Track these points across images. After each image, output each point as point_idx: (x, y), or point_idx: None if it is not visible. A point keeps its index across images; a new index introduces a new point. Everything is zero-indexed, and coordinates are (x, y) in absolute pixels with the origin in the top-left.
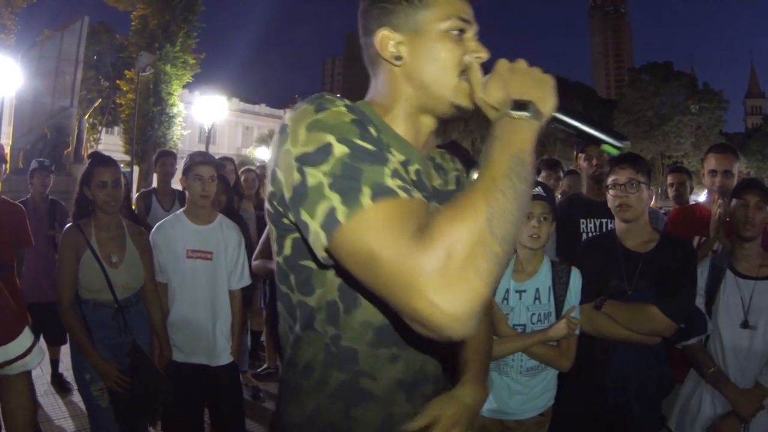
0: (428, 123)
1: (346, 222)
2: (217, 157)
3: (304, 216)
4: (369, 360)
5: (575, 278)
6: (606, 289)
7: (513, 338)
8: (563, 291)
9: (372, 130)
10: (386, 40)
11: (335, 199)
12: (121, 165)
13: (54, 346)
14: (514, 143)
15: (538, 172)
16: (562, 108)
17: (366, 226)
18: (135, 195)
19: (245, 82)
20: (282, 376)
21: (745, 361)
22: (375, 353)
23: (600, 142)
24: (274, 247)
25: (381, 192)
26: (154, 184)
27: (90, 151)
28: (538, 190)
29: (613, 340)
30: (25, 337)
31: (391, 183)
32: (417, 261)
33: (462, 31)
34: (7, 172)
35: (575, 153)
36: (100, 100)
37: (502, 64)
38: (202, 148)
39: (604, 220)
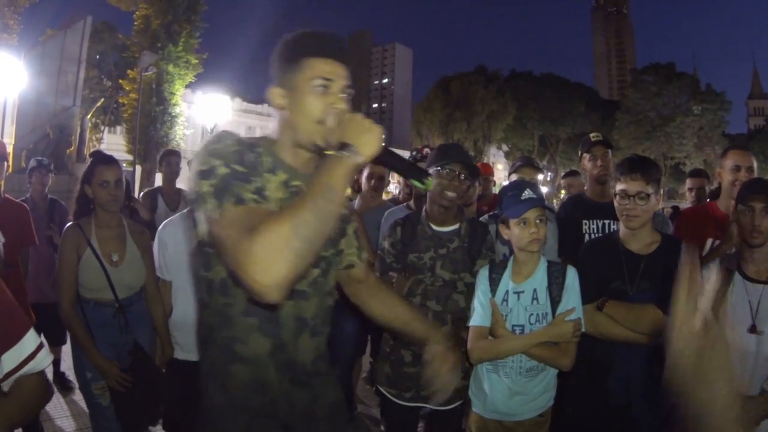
0: (303, 154)
1: (216, 218)
2: None
3: (197, 212)
4: (240, 326)
5: (571, 276)
6: (608, 291)
7: (515, 337)
8: (559, 291)
9: (250, 157)
10: (275, 94)
11: (212, 203)
12: (124, 165)
13: (55, 345)
14: (330, 174)
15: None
16: (385, 153)
17: (225, 221)
18: (137, 194)
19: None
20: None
21: (752, 366)
22: (245, 321)
23: (411, 177)
24: (192, 236)
25: (239, 201)
26: (158, 183)
27: (92, 150)
28: (528, 194)
29: (616, 341)
30: (29, 340)
31: (248, 196)
32: (243, 247)
33: (326, 87)
34: (10, 170)
35: (579, 153)
36: (102, 99)
37: (346, 115)
38: None
39: (606, 221)
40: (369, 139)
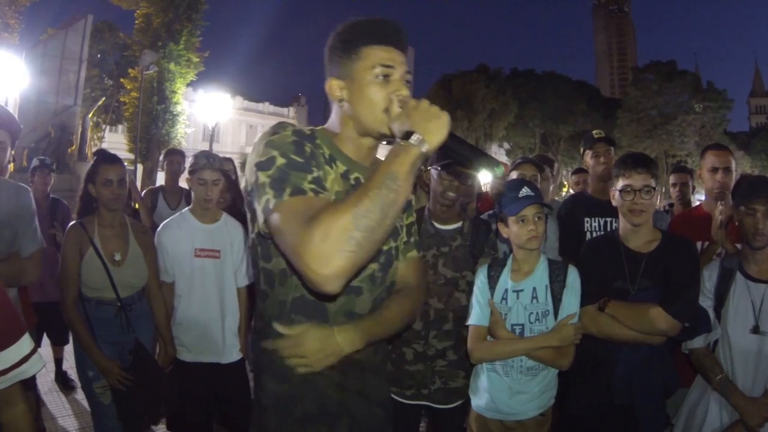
0: (367, 143)
1: (273, 209)
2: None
3: (255, 203)
4: (298, 315)
5: (573, 275)
6: (609, 290)
7: (517, 341)
8: (560, 289)
9: (308, 148)
10: (333, 86)
11: (270, 194)
12: (125, 163)
13: (58, 345)
14: (394, 163)
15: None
16: (453, 140)
17: (282, 212)
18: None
19: (249, 80)
20: (254, 325)
21: (756, 367)
22: (293, 318)
23: (481, 166)
24: (250, 227)
25: (297, 191)
26: (161, 181)
27: (95, 149)
28: (526, 191)
29: (618, 341)
30: (23, 344)
31: (306, 186)
32: (303, 237)
33: (387, 75)
34: (11, 170)
35: (581, 150)
36: (103, 98)
37: (410, 102)
38: (206, 147)
39: (608, 219)
40: (436, 127)
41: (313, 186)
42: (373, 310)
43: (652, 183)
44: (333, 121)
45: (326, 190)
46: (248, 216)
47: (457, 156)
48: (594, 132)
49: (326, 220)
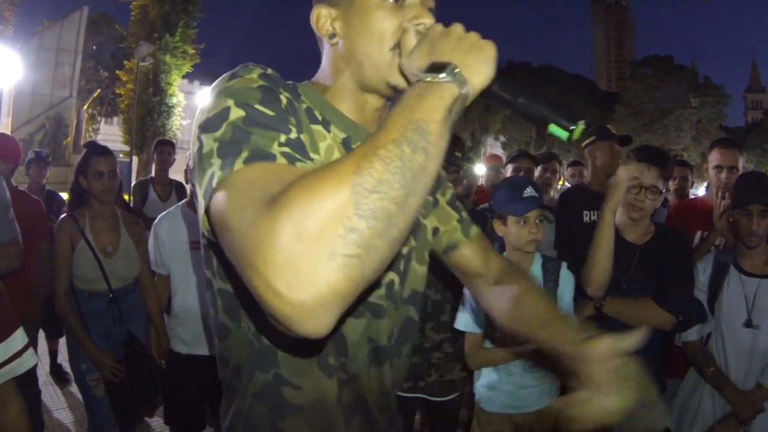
0: (373, 101)
1: (216, 186)
2: None
3: (197, 186)
4: (290, 365)
5: (565, 274)
6: None
7: (512, 347)
8: (553, 288)
9: (284, 98)
10: (321, 16)
11: (217, 165)
12: (121, 155)
13: (53, 338)
14: (419, 109)
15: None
16: (501, 81)
17: (229, 189)
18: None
19: None
20: (220, 374)
21: (748, 361)
22: (296, 359)
23: (548, 122)
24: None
25: (257, 156)
26: (153, 173)
27: (86, 141)
28: (531, 191)
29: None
30: (15, 340)
31: (276, 149)
32: (259, 232)
33: None
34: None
35: (590, 140)
36: (99, 90)
37: (435, 28)
38: None
39: None
40: (478, 61)
41: (286, 150)
42: (399, 333)
43: (661, 185)
44: (323, 71)
45: (310, 160)
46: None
47: (513, 106)
48: (609, 126)
49: (303, 199)
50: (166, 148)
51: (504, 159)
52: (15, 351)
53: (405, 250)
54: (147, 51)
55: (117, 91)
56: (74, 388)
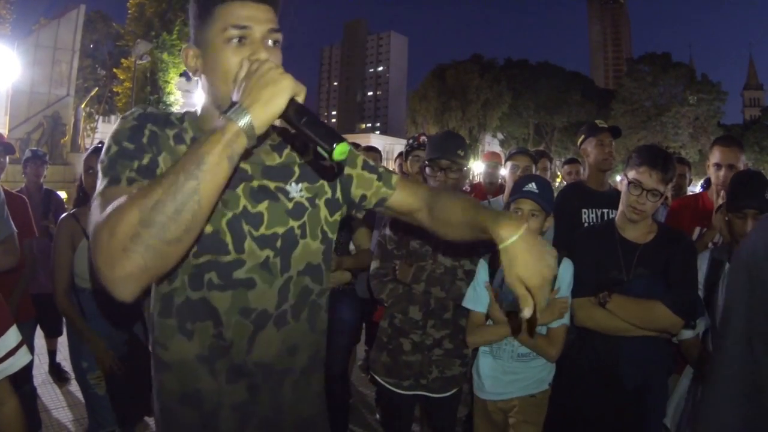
0: None
1: (94, 197)
2: None
3: None
4: (160, 329)
5: (565, 267)
6: (603, 280)
7: (504, 324)
8: (552, 280)
9: (148, 131)
10: (188, 56)
11: (99, 182)
12: None
13: (51, 336)
14: (205, 142)
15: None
16: (295, 107)
17: (94, 203)
18: None
19: None
20: None
21: None
22: (164, 322)
23: (321, 145)
24: None
25: (112, 181)
26: None
27: (90, 140)
28: (532, 186)
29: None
30: (8, 338)
31: (126, 175)
32: (94, 232)
33: (243, 37)
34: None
35: (581, 138)
36: (96, 89)
37: (251, 65)
38: None
39: (605, 210)
40: (268, 95)
41: (132, 175)
42: (289, 300)
43: (662, 188)
44: (202, 99)
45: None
46: None
47: (296, 127)
48: (597, 121)
49: (114, 213)
50: None
51: (502, 156)
52: (8, 349)
53: (282, 231)
54: (144, 49)
55: (114, 90)
56: (73, 387)
